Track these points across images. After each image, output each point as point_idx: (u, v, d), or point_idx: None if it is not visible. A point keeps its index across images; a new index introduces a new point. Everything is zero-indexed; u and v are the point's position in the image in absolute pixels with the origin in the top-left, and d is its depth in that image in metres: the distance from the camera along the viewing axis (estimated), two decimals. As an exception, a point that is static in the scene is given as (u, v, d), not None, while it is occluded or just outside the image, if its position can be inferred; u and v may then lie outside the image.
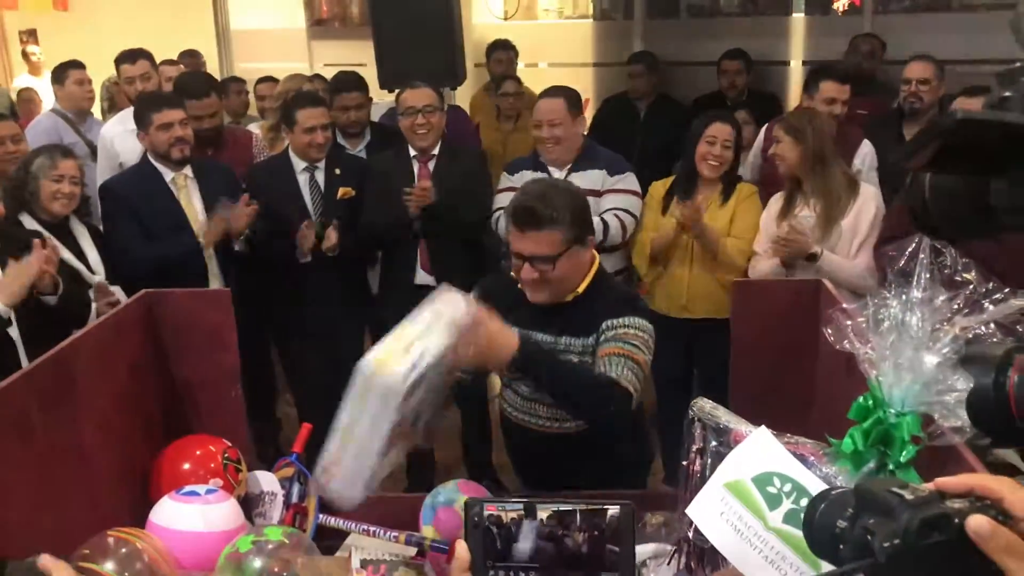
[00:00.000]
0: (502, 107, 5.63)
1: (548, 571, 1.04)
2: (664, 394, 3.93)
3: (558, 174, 3.69)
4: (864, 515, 0.79)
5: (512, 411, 2.56)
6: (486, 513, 1.04)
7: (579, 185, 3.62)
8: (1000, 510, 0.76)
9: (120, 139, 4.38)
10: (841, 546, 0.80)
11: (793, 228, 3.34)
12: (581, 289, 2.33)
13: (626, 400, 2.17)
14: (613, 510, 1.06)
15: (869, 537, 0.76)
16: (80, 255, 3.35)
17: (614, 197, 3.69)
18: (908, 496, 0.77)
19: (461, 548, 1.05)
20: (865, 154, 3.97)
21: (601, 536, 1.05)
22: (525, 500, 1.06)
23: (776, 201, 3.54)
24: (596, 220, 3.54)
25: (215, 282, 3.65)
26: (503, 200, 3.65)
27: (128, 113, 4.55)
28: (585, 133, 3.93)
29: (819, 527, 0.84)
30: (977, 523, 0.73)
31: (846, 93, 3.96)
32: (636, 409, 2.37)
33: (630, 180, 3.73)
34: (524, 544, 1.04)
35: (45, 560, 1.12)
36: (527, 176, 3.67)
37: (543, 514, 1.05)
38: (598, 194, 3.66)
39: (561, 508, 1.05)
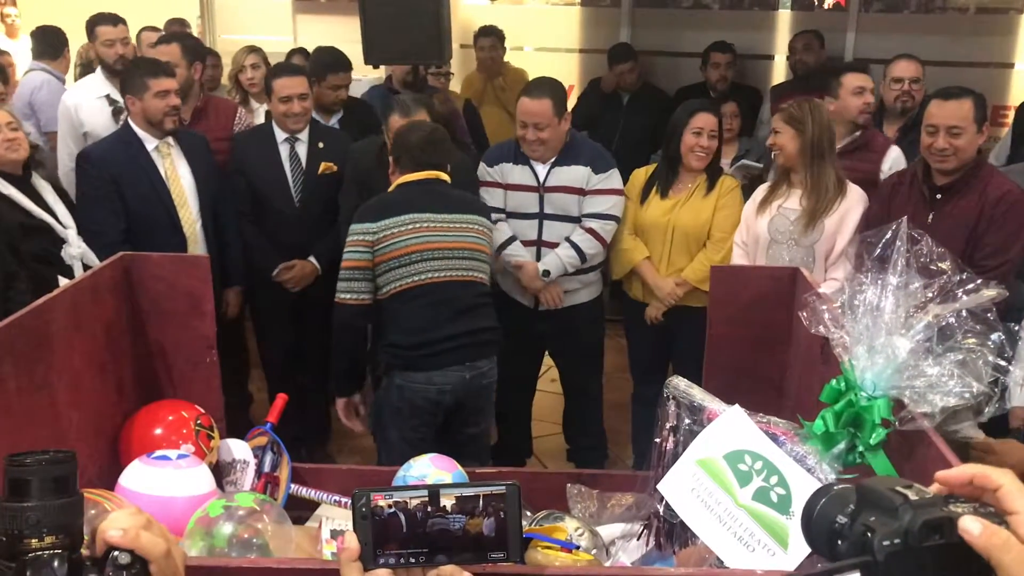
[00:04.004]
0: (481, 59, 5.84)
1: (437, 552, 1.08)
2: (640, 379, 3.95)
3: (541, 169, 3.60)
4: (865, 512, 0.77)
5: None
6: (379, 504, 1.07)
7: (562, 182, 3.56)
8: (1001, 514, 0.75)
9: (85, 107, 4.18)
10: (839, 542, 0.79)
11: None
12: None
13: (340, 310, 2.86)
14: (505, 491, 1.11)
15: (869, 535, 0.75)
16: (48, 211, 3.27)
17: (597, 200, 3.58)
18: (912, 496, 0.76)
19: (350, 539, 1.08)
20: (894, 158, 3.80)
21: (506, 517, 1.10)
22: (427, 487, 1.10)
23: (762, 191, 3.55)
24: (564, 247, 3.56)
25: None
26: (486, 197, 3.56)
27: (92, 80, 4.40)
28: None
29: (818, 521, 0.82)
30: (968, 522, 0.73)
31: (871, 83, 3.96)
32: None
33: (614, 178, 3.63)
34: (428, 530, 1.08)
35: None
36: (507, 169, 3.62)
37: (447, 501, 1.09)
38: (581, 192, 3.58)
39: (464, 494, 1.09)
